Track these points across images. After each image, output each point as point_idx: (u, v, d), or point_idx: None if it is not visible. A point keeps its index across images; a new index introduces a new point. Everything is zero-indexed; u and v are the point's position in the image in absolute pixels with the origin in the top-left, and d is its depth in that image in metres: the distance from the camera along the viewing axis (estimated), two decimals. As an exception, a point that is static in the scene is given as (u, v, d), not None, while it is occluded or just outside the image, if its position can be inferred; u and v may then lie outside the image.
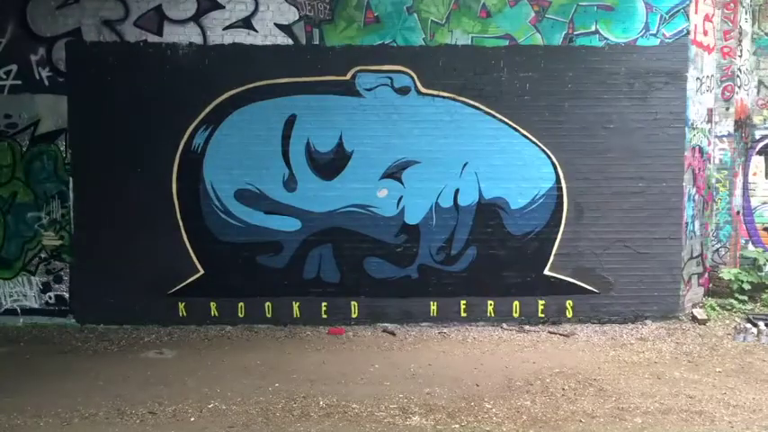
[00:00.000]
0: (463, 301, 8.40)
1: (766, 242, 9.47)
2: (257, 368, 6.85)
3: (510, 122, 8.30)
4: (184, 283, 8.32)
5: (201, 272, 8.33)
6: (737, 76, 9.20)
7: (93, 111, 8.22)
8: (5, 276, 8.41)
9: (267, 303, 8.37)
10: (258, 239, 8.32)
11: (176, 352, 7.47)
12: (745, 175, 9.46)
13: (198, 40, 8.21)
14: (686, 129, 8.45)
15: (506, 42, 8.28)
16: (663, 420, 5.50)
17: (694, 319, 8.53)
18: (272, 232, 8.34)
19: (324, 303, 8.37)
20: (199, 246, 8.32)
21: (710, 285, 9.30)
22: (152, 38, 8.21)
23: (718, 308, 8.88)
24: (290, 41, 8.23)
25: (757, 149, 9.46)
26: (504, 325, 8.37)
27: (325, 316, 8.37)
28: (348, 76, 8.24)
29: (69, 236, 8.34)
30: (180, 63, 8.21)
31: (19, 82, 8.25)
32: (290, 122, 8.28)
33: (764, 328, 7.87)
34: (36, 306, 8.41)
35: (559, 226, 8.40)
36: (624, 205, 8.39)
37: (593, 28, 8.31)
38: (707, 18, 8.80)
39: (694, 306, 8.86)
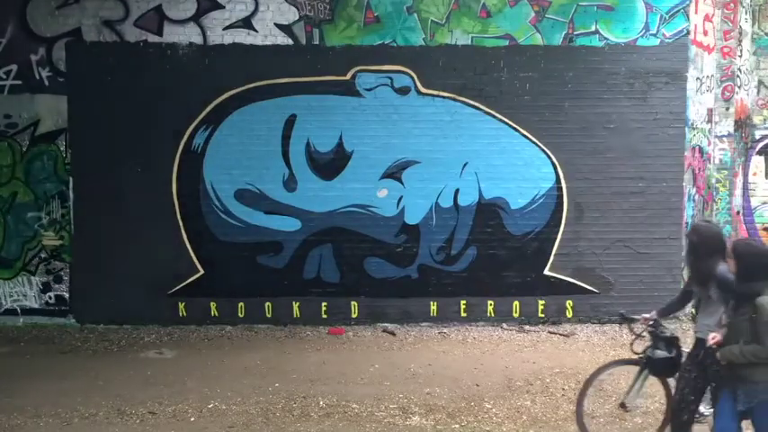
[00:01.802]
0: (463, 301, 8.40)
1: (766, 242, 9.45)
2: (257, 368, 6.85)
3: (510, 122, 8.30)
4: (184, 283, 8.32)
5: (201, 272, 8.33)
6: (737, 76, 9.19)
7: (93, 111, 8.21)
8: (5, 276, 8.40)
9: (267, 303, 8.37)
10: (258, 239, 8.32)
11: (176, 352, 7.47)
12: (745, 175, 9.45)
13: (198, 40, 8.21)
14: (686, 129, 8.45)
15: (506, 42, 8.28)
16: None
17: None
18: (272, 232, 8.34)
19: (324, 303, 8.37)
20: (199, 246, 8.32)
21: (710, 285, 9.28)
22: (152, 38, 8.21)
23: (718, 308, 8.86)
24: (290, 41, 8.23)
25: (757, 149, 9.45)
26: (504, 325, 8.37)
27: (325, 316, 8.37)
28: (348, 76, 8.24)
29: (69, 236, 8.33)
30: (180, 63, 8.21)
31: (19, 82, 8.25)
32: (290, 122, 8.28)
33: (764, 328, 7.86)
34: (36, 306, 8.41)
35: (559, 226, 8.40)
36: (624, 205, 8.39)
37: (593, 28, 8.31)
38: (707, 18, 8.79)
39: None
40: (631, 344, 4.90)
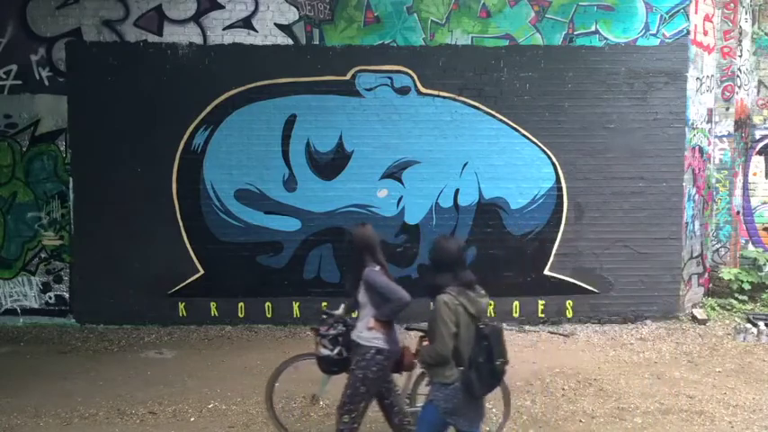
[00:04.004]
0: (463, 301, 8.38)
1: (766, 242, 9.47)
2: (257, 368, 6.84)
3: (510, 122, 8.30)
4: (184, 283, 8.32)
5: (201, 272, 8.33)
6: (737, 76, 9.20)
7: (93, 111, 8.22)
8: (5, 276, 8.41)
9: (267, 303, 8.37)
10: (258, 239, 8.32)
11: (176, 352, 7.47)
12: (745, 175, 9.46)
13: (198, 40, 8.21)
14: (686, 129, 8.46)
15: (506, 42, 8.28)
16: (663, 420, 5.50)
17: (694, 319, 8.53)
18: (272, 232, 8.34)
19: (324, 303, 8.35)
20: (199, 246, 8.32)
21: (710, 285, 9.30)
22: (152, 38, 8.21)
23: (718, 308, 8.88)
24: (290, 41, 8.23)
25: (757, 149, 9.46)
26: (504, 325, 8.36)
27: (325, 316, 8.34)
28: (348, 76, 8.25)
29: (69, 236, 8.34)
30: (180, 63, 8.21)
31: (19, 82, 8.26)
32: (290, 122, 8.28)
33: (764, 328, 7.87)
34: (36, 306, 8.41)
35: (559, 226, 8.40)
36: (624, 205, 8.39)
37: (593, 28, 8.31)
38: (707, 18, 8.80)
39: (694, 306, 8.86)
40: (319, 340, 4.76)
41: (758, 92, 9.38)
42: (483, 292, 3.86)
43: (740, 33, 9.19)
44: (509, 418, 5.08)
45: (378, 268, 4.38)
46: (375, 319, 4.35)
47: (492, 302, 8.39)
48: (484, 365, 3.66)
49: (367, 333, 4.38)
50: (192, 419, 5.55)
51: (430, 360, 3.72)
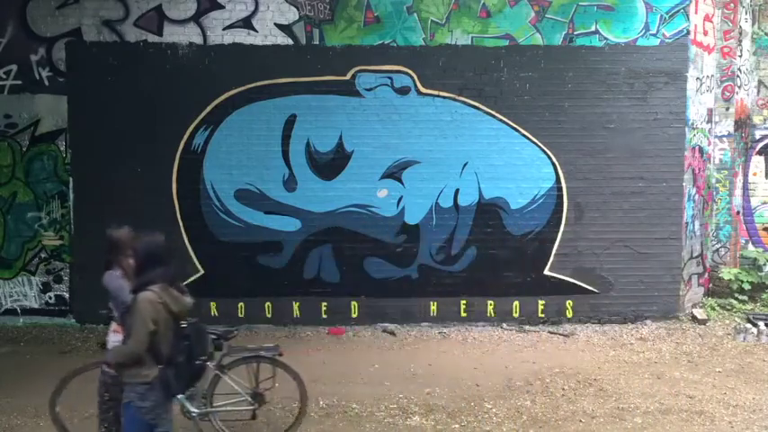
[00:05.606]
0: (463, 301, 8.40)
1: (766, 242, 9.47)
2: (257, 368, 6.83)
3: (510, 122, 8.30)
4: (184, 283, 8.28)
5: (201, 272, 8.33)
6: (737, 76, 9.20)
7: (93, 111, 8.22)
8: (5, 276, 8.41)
9: (267, 303, 8.37)
10: (258, 239, 8.32)
11: (176, 352, 7.45)
12: (745, 175, 9.46)
13: (198, 40, 8.21)
14: (686, 129, 8.46)
15: (506, 42, 8.28)
16: (663, 420, 5.50)
17: (694, 319, 8.53)
18: (272, 232, 8.34)
19: (324, 303, 8.37)
20: (199, 246, 8.32)
21: (710, 285, 9.30)
22: (152, 38, 8.21)
23: (718, 308, 8.88)
24: (290, 41, 8.23)
25: (757, 149, 9.46)
26: (504, 325, 8.37)
27: (325, 316, 8.37)
28: (348, 76, 8.25)
29: (69, 236, 8.34)
30: (180, 63, 8.21)
31: (19, 82, 8.26)
32: (290, 122, 8.28)
33: (764, 328, 7.88)
34: (36, 306, 8.41)
35: (559, 226, 8.40)
36: (624, 205, 8.39)
37: (593, 28, 8.31)
38: (707, 18, 8.80)
39: (694, 306, 8.86)
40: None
41: (758, 92, 9.38)
42: (186, 290, 3.88)
43: (740, 33, 9.19)
44: (305, 415, 5.07)
45: (118, 272, 4.31)
46: (117, 323, 4.30)
47: (492, 302, 8.42)
48: (182, 365, 3.68)
49: (112, 336, 4.35)
50: (192, 419, 5.53)
51: (122, 359, 3.68)
